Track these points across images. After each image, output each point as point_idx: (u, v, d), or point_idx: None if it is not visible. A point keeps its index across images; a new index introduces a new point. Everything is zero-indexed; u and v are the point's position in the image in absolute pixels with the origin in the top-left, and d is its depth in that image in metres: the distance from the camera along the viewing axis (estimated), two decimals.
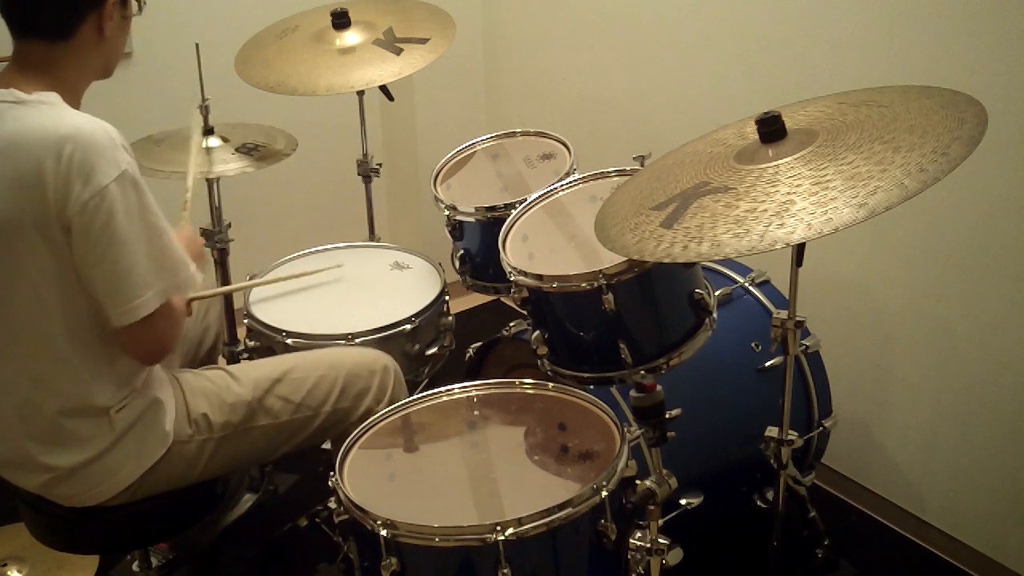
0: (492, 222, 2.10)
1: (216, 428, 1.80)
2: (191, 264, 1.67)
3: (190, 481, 1.80)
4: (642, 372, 1.69)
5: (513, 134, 2.43)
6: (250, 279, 2.34)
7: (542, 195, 2.06)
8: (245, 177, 2.28)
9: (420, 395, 1.79)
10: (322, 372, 1.90)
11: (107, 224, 1.53)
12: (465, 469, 1.63)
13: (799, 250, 1.62)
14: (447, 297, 2.28)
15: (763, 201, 1.44)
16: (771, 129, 1.55)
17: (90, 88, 1.71)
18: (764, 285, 2.19)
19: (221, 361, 2.32)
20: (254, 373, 1.88)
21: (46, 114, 1.57)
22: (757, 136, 1.57)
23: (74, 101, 1.66)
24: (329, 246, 2.50)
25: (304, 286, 2.31)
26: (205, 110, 2.32)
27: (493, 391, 1.78)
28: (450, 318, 2.28)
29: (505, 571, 1.41)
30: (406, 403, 1.77)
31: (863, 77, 2.18)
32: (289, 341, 2.11)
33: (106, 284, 1.57)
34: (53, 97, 1.60)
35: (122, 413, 1.69)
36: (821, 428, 2.14)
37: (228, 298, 2.41)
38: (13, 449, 1.70)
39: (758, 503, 2.07)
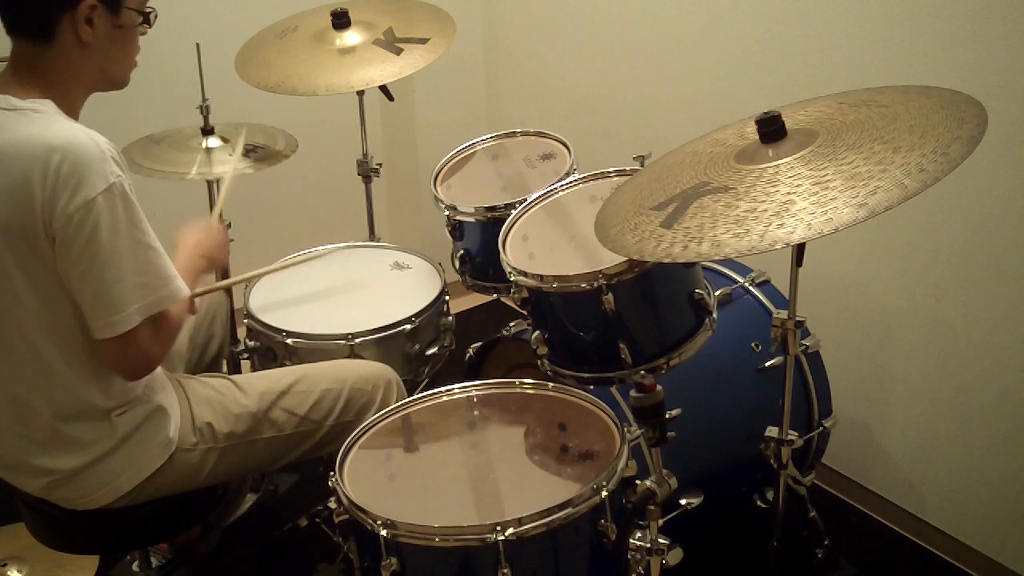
0: (492, 222, 2.10)
1: (220, 438, 1.80)
2: (177, 278, 1.63)
3: (192, 488, 1.80)
4: (642, 372, 1.68)
5: (513, 134, 2.43)
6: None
7: (542, 195, 2.06)
8: (245, 177, 2.28)
9: (420, 395, 1.79)
10: (327, 385, 1.90)
11: (92, 237, 1.51)
12: (465, 469, 1.63)
13: (799, 250, 1.62)
14: (447, 297, 2.28)
15: (763, 201, 1.44)
16: (771, 129, 1.55)
17: None
18: (764, 285, 2.19)
19: (224, 367, 2.32)
20: (260, 385, 1.88)
21: (37, 123, 1.56)
22: (757, 136, 1.57)
23: (70, 109, 1.64)
24: (329, 246, 2.50)
25: (305, 288, 2.32)
26: (205, 110, 2.32)
27: (493, 391, 1.78)
28: (450, 318, 2.27)
29: (505, 571, 1.41)
30: (406, 403, 1.78)
31: (863, 77, 2.18)
32: (289, 341, 2.11)
33: (89, 297, 1.55)
34: (47, 105, 1.59)
35: (124, 417, 1.69)
36: (821, 428, 2.14)
37: (229, 298, 2.41)
38: (13, 452, 1.70)
39: (758, 503, 2.07)
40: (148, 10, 1.69)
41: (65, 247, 1.52)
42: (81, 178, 1.50)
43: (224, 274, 2.41)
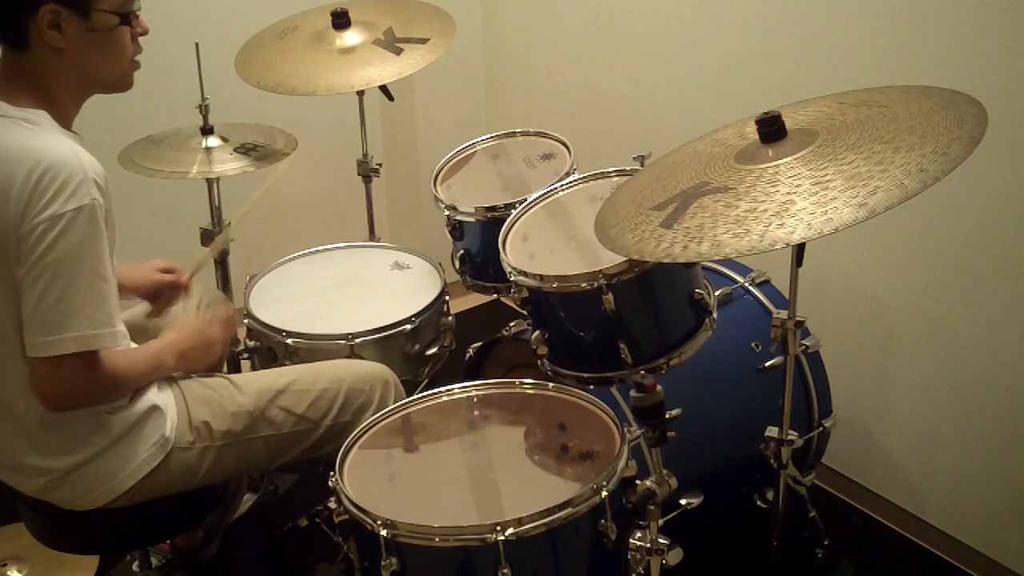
0: (492, 222, 2.10)
1: (217, 436, 1.79)
2: (119, 326, 1.59)
3: (191, 487, 1.80)
4: (642, 372, 1.69)
5: (513, 134, 2.43)
6: (249, 279, 2.34)
7: (542, 195, 2.06)
8: (245, 177, 2.28)
9: (420, 395, 1.79)
10: (325, 385, 1.89)
11: (49, 250, 1.50)
12: (465, 469, 1.63)
13: (799, 250, 1.62)
14: (447, 297, 2.28)
15: (763, 201, 1.44)
16: (771, 129, 1.55)
17: None
18: (764, 285, 2.19)
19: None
20: (257, 383, 1.88)
21: (27, 133, 1.55)
22: (757, 136, 1.57)
23: (63, 117, 1.63)
24: (329, 246, 2.50)
25: (305, 288, 2.32)
26: (205, 109, 2.32)
27: (493, 391, 1.78)
28: (450, 318, 2.28)
29: (505, 571, 1.41)
30: (406, 403, 1.78)
31: (863, 77, 2.18)
32: (289, 341, 2.11)
33: (29, 309, 1.52)
34: (41, 117, 1.59)
35: (116, 417, 1.68)
36: (821, 428, 2.14)
37: (229, 297, 2.41)
38: (7, 452, 1.70)
39: (758, 503, 2.07)
40: (126, 11, 1.62)
41: (26, 253, 1.51)
42: (56, 192, 1.49)
43: (224, 278, 2.39)
